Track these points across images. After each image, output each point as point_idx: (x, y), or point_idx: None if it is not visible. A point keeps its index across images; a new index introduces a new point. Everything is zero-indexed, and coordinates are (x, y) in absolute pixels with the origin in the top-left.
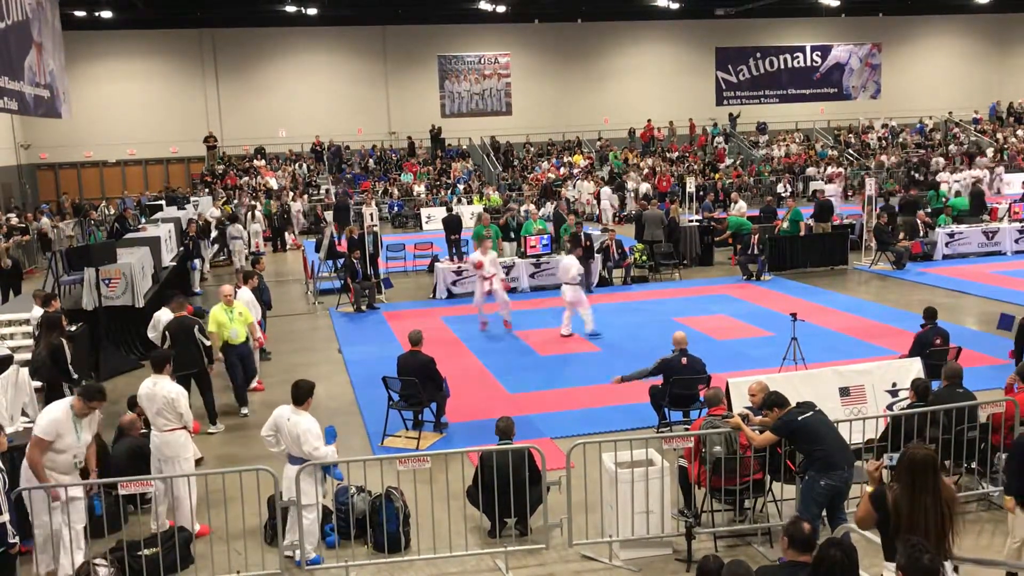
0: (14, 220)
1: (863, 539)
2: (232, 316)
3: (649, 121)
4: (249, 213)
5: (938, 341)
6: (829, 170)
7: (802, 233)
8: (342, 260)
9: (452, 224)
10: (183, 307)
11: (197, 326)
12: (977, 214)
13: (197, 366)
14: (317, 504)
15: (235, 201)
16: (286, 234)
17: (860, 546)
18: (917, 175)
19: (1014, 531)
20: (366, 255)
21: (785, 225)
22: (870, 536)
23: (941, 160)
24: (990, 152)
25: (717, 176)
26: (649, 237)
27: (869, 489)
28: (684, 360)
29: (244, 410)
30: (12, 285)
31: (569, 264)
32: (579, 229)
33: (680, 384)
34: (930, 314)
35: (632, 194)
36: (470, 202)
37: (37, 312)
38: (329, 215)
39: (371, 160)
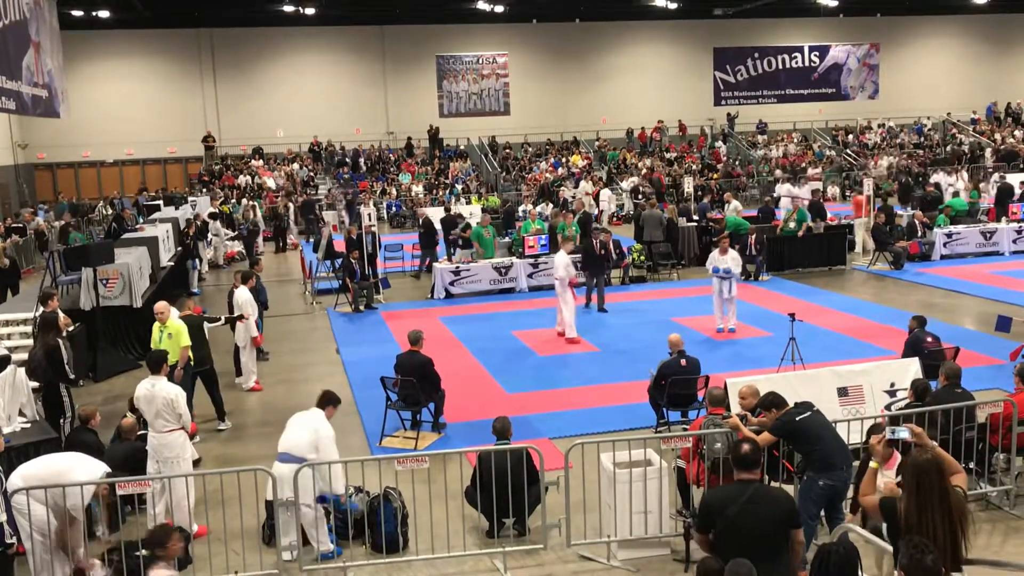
0: (9, 220)
1: (861, 539)
2: (162, 336)
3: (660, 121)
4: (249, 213)
5: (929, 339)
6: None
7: (800, 233)
8: (340, 260)
9: (450, 224)
10: (189, 307)
11: (205, 323)
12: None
13: (206, 364)
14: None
15: (235, 202)
16: (287, 234)
17: (859, 546)
18: (908, 178)
19: None
20: (364, 255)
21: (792, 225)
22: (869, 536)
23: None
24: (988, 152)
25: (716, 176)
26: (648, 238)
27: (874, 464)
28: (683, 361)
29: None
30: (10, 285)
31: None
32: (608, 238)
33: (678, 384)
34: (919, 321)
35: (628, 194)
36: (468, 202)
37: None
38: (328, 215)
39: (369, 160)
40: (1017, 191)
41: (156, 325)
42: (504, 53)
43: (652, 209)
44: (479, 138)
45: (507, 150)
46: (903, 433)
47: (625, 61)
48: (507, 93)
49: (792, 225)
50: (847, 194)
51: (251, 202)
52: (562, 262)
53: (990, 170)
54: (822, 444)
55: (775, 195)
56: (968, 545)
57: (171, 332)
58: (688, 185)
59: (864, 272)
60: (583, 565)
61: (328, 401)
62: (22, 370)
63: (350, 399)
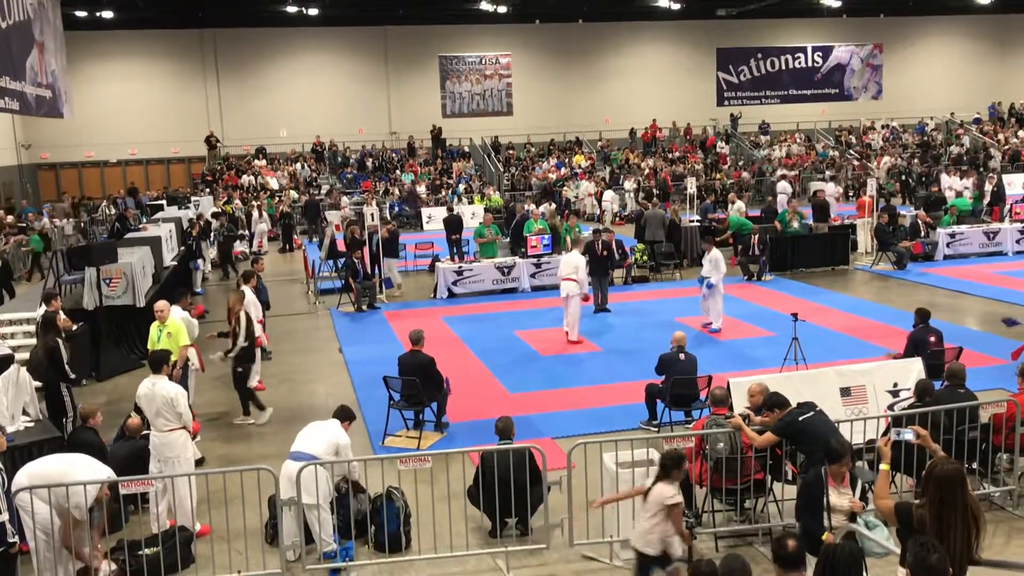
0: (11, 219)
1: (865, 539)
2: (160, 335)
3: (653, 121)
4: (255, 212)
5: (932, 339)
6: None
7: (779, 230)
8: (343, 260)
9: (453, 224)
10: (187, 300)
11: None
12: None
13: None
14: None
15: (239, 202)
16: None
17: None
18: (911, 179)
19: None
20: (370, 254)
21: (796, 225)
22: (873, 536)
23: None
24: (993, 152)
25: (719, 176)
26: (650, 237)
27: (884, 467)
28: (681, 356)
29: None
30: (4, 285)
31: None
32: (611, 238)
33: (680, 384)
34: (922, 315)
35: (631, 194)
36: (471, 202)
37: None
38: (332, 215)
39: (375, 160)
40: (1020, 191)
41: (155, 324)
42: (507, 53)
43: (654, 209)
44: (482, 138)
45: (510, 150)
46: (908, 435)
47: (628, 61)
48: (510, 93)
49: (796, 225)
50: (849, 195)
51: (254, 202)
52: (581, 262)
53: (997, 170)
54: (824, 444)
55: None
56: (980, 548)
57: (170, 331)
58: (691, 185)
59: (867, 272)
60: (586, 565)
61: (346, 416)
62: (25, 369)
63: (353, 399)
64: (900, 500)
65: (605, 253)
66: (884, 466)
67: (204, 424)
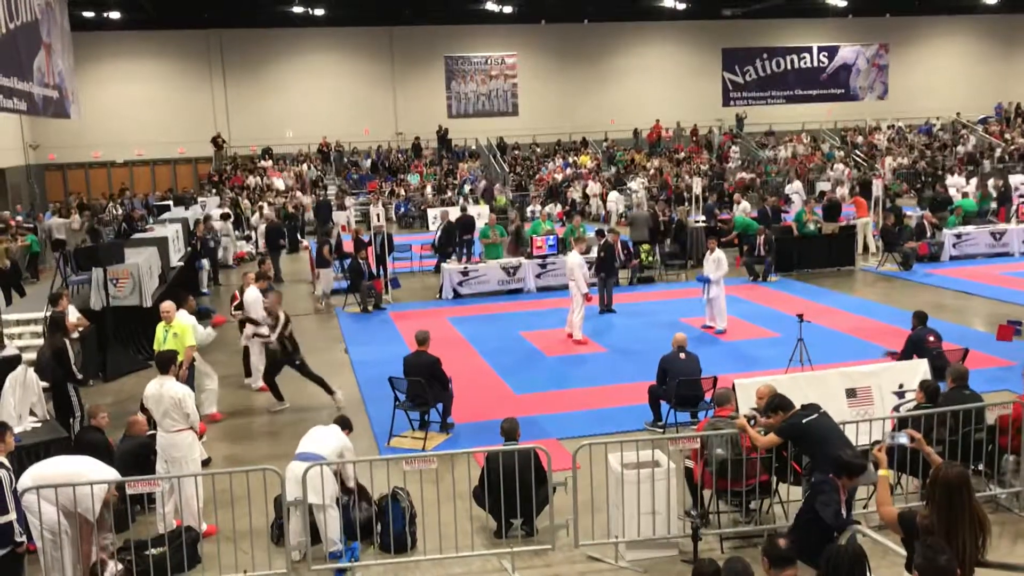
0: (19, 219)
1: (869, 541)
2: (166, 336)
3: (657, 122)
4: (257, 212)
5: (931, 339)
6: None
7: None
8: (348, 260)
9: (465, 224)
10: (192, 304)
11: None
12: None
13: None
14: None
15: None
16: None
17: (866, 546)
18: (924, 178)
19: None
20: (375, 255)
21: (811, 226)
22: (877, 538)
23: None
24: (998, 152)
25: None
26: (636, 238)
27: (883, 472)
28: (682, 355)
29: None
30: (14, 286)
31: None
32: (616, 239)
33: (685, 385)
34: (920, 318)
35: (638, 195)
36: (476, 202)
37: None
38: (338, 215)
39: (385, 161)
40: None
41: (161, 325)
42: (513, 54)
43: (639, 210)
44: (487, 139)
45: (516, 151)
46: (902, 439)
47: (633, 62)
48: (515, 94)
49: (812, 227)
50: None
51: (259, 203)
52: (576, 262)
53: (1000, 169)
54: (828, 447)
55: (785, 193)
56: (985, 550)
57: (176, 332)
58: (697, 186)
59: (873, 273)
60: (591, 566)
61: (345, 425)
62: (32, 369)
63: (358, 399)
64: (904, 505)
65: (612, 253)
66: (883, 472)
67: (210, 425)
